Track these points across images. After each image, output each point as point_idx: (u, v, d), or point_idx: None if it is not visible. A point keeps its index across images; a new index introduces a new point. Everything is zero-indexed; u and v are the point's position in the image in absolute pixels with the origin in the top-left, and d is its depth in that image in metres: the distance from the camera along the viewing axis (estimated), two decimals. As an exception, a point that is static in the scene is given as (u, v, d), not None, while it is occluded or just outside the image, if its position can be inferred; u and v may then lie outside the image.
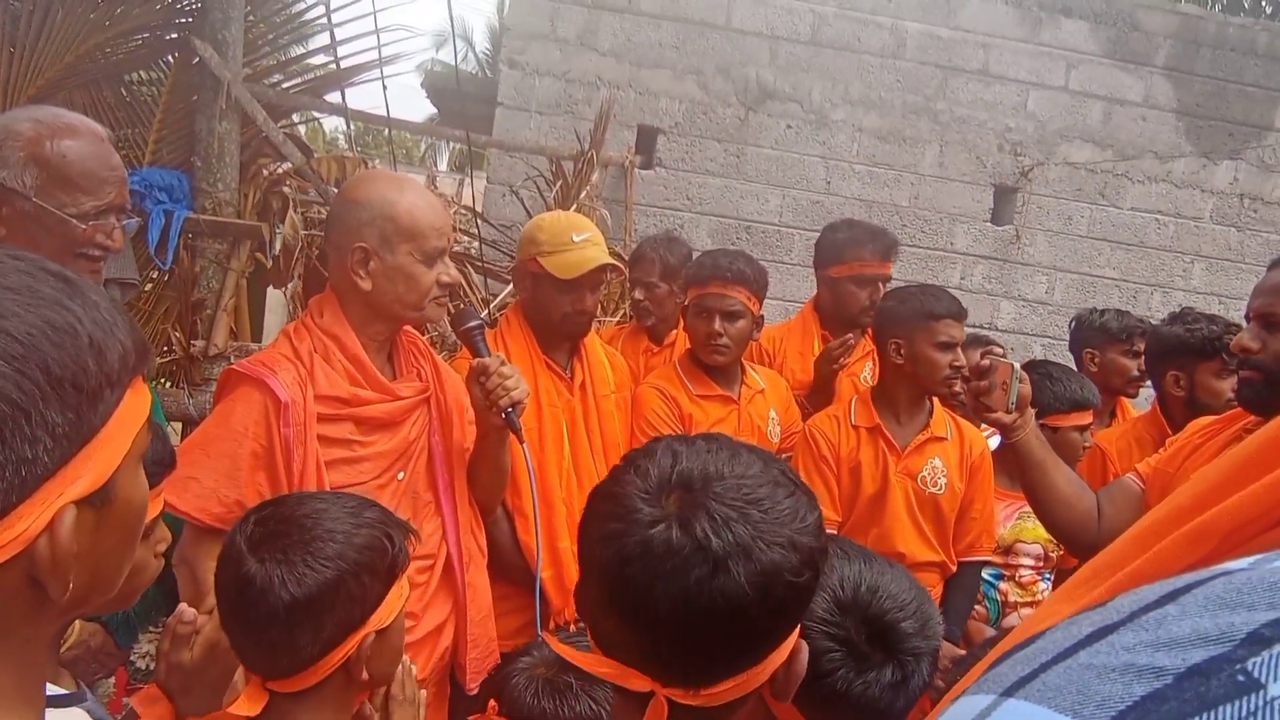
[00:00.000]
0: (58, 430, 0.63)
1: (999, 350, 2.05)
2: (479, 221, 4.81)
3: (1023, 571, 2.84)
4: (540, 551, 2.10)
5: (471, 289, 4.41)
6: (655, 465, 0.89)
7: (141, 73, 4.00)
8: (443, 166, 17.78)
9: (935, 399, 2.64)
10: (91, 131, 1.64)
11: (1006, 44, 5.56)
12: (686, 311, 2.70)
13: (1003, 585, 2.84)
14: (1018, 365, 2.00)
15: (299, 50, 4.64)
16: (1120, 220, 5.78)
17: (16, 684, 0.68)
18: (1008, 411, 1.99)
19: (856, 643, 1.11)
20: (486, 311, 4.22)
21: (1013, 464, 2.77)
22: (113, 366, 0.67)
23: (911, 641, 1.14)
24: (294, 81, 4.34)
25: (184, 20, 3.90)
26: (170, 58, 3.92)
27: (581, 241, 2.33)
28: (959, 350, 2.51)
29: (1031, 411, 2.04)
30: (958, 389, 2.52)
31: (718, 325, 2.57)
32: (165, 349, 3.81)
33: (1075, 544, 2.09)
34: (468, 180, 5.72)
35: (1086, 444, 2.82)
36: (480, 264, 4.57)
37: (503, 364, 1.92)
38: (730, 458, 0.89)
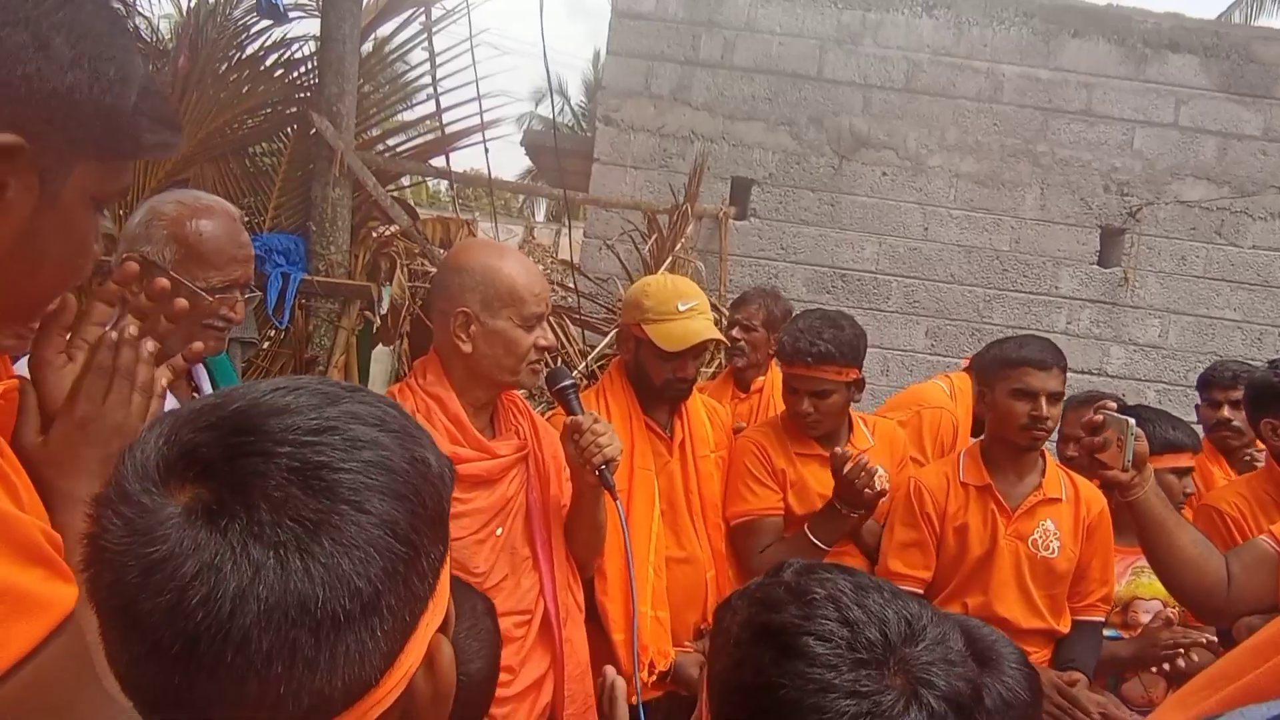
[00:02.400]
0: (435, 564, 0.61)
1: (1112, 405, 1.96)
2: (576, 275, 4.93)
3: None
4: (635, 614, 2.10)
5: (569, 340, 4.51)
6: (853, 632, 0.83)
7: (263, 144, 4.29)
8: (540, 217, 18.24)
9: (1049, 456, 2.56)
10: (226, 213, 1.78)
11: (1110, 83, 5.42)
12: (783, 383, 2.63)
13: None
14: (1133, 421, 1.91)
15: (406, 115, 4.90)
16: (1241, 259, 5.51)
17: None
18: (1124, 469, 1.90)
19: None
20: (584, 363, 4.30)
21: (1131, 525, 2.66)
22: (449, 492, 0.65)
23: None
24: (401, 145, 4.58)
25: (302, 95, 4.17)
26: (289, 130, 4.19)
27: (687, 311, 2.31)
28: (1041, 400, 2.40)
29: (1150, 469, 1.93)
30: (1039, 439, 2.43)
31: (806, 405, 2.50)
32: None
33: (1201, 609, 1.97)
34: (564, 231, 5.87)
35: (1188, 490, 2.69)
36: (577, 316, 4.67)
37: (595, 421, 1.95)
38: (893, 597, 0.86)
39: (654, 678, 2.26)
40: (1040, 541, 2.47)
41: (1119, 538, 2.64)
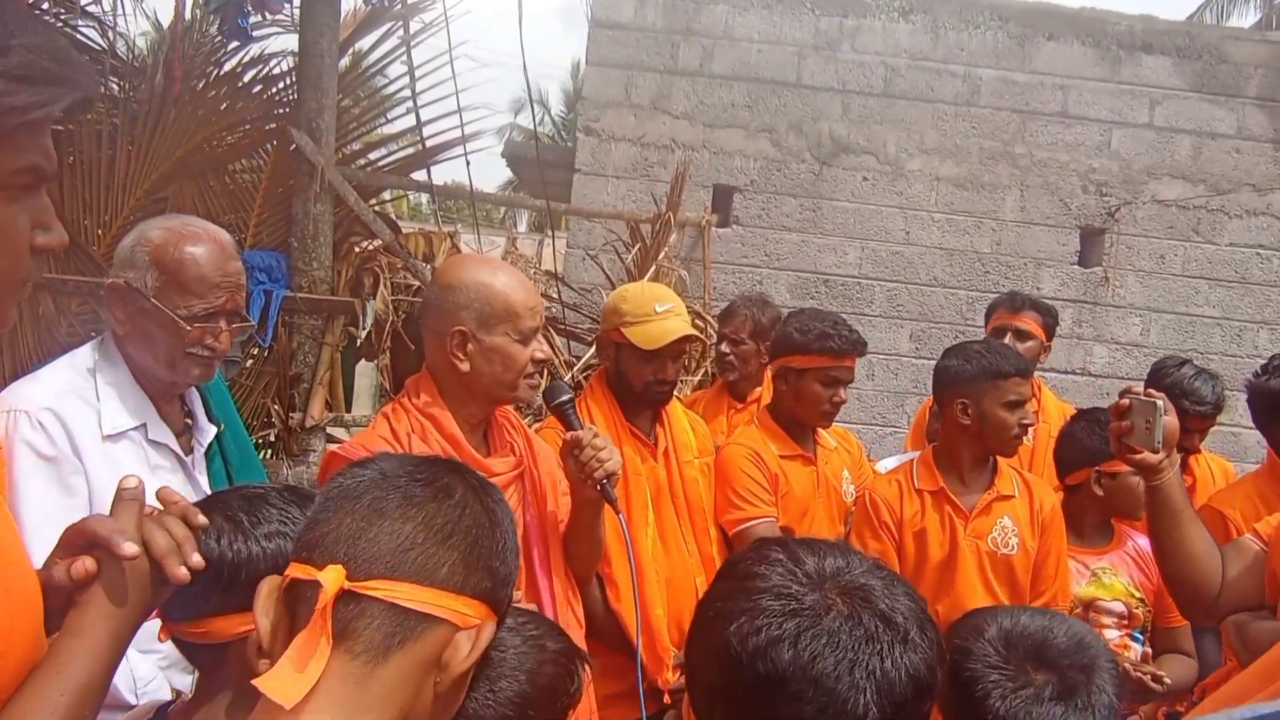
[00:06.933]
0: (499, 576, 0.90)
1: (1138, 389, 1.94)
2: (559, 285, 4.91)
3: (1107, 633, 2.67)
4: (640, 622, 2.09)
5: (555, 352, 4.49)
6: None
7: (243, 161, 4.24)
8: (523, 229, 18.20)
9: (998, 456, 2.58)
10: (214, 239, 1.73)
11: (1085, 84, 5.48)
12: (793, 375, 2.66)
13: None
14: (1162, 401, 1.88)
15: (386, 129, 4.86)
16: (1219, 257, 5.58)
17: None
18: (1154, 451, 1.88)
19: (1007, 663, 1.23)
20: (569, 374, 4.29)
21: (1083, 524, 2.67)
22: (513, 571, 0.93)
23: (1067, 657, 1.22)
24: (382, 159, 4.55)
25: (281, 111, 4.13)
26: (269, 146, 4.15)
27: (664, 312, 2.36)
28: (1027, 408, 2.47)
29: (1176, 454, 1.92)
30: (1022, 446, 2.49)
31: (843, 394, 2.66)
32: (265, 422, 3.97)
33: (1192, 605, 1.97)
34: (547, 242, 5.85)
35: None
36: (562, 327, 4.66)
37: (595, 436, 1.94)
38: None
39: (677, 676, 2.29)
40: (999, 539, 2.48)
41: (1077, 540, 2.65)
